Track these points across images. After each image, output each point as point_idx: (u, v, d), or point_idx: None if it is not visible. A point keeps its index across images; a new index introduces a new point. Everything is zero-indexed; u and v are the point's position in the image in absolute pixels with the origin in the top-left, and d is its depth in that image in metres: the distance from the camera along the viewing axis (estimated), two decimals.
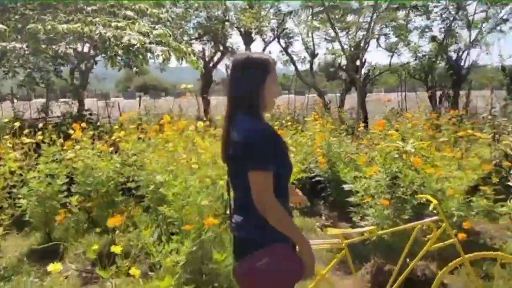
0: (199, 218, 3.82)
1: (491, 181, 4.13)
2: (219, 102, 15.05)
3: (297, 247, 2.03)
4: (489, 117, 6.91)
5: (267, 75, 2.04)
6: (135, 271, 2.33)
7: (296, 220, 5.49)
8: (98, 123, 9.67)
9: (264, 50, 13.34)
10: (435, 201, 2.69)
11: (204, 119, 7.40)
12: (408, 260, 4.09)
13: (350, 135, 7.05)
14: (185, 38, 11.92)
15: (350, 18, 12.82)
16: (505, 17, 13.04)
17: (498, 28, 13.18)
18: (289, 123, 6.66)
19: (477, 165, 4.05)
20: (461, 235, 3.16)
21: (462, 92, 12.37)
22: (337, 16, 12.02)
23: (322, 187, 6.21)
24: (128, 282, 3.85)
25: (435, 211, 3.12)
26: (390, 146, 3.86)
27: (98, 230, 4.77)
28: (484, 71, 14.45)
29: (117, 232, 5.18)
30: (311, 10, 12.71)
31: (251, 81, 2.03)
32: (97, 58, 10.64)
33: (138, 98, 15.48)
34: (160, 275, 2.77)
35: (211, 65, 13.25)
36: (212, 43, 12.61)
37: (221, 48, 12.84)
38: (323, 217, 6.10)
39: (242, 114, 2.02)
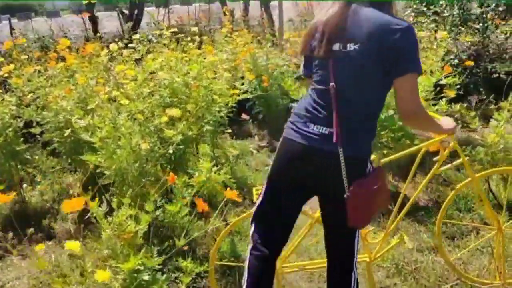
0: (137, 165, 3.15)
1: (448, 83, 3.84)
2: (103, 18, 13.42)
3: None
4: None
5: None
6: (103, 274, 1.65)
7: (228, 143, 4.97)
8: None
9: None
10: (439, 117, 2.28)
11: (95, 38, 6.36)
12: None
13: (274, 45, 6.47)
14: None
15: None
16: None
17: None
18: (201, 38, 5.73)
19: (438, 68, 3.71)
20: None
21: None
22: None
23: (250, 105, 5.67)
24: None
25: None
26: None
27: (0, 187, 3.90)
28: None
29: (24, 186, 4.34)
30: None
31: None
32: None
33: (6, 22, 13.27)
34: (116, 250, 2.14)
35: None
36: None
37: None
38: (256, 138, 5.64)
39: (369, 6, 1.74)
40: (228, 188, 2.45)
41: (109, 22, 11.97)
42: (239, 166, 4.56)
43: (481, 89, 6.15)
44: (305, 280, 2.80)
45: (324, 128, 1.77)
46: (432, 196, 3.73)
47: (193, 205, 3.34)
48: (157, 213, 2.42)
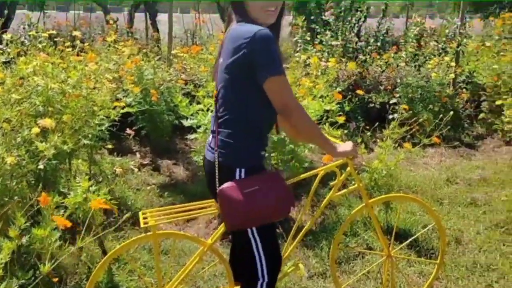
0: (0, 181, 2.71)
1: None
2: None
3: None
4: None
5: None
6: None
7: (107, 160, 4.61)
8: None
9: None
10: (339, 142, 2.24)
11: None
12: None
13: (161, 60, 6.18)
14: None
15: None
16: None
17: None
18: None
19: (331, 95, 3.75)
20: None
21: None
22: None
23: (133, 120, 5.33)
24: None
25: None
26: None
27: None
28: None
29: None
30: None
31: None
32: None
33: None
34: None
35: None
36: None
37: None
38: (138, 155, 5.30)
39: (237, 20, 1.88)
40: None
41: None
42: (119, 185, 4.21)
43: (359, 117, 6.49)
44: None
45: (210, 139, 1.96)
46: (317, 219, 3.73)
47: (64, 229, 2.98)
48: (24, 240, 2.05)
